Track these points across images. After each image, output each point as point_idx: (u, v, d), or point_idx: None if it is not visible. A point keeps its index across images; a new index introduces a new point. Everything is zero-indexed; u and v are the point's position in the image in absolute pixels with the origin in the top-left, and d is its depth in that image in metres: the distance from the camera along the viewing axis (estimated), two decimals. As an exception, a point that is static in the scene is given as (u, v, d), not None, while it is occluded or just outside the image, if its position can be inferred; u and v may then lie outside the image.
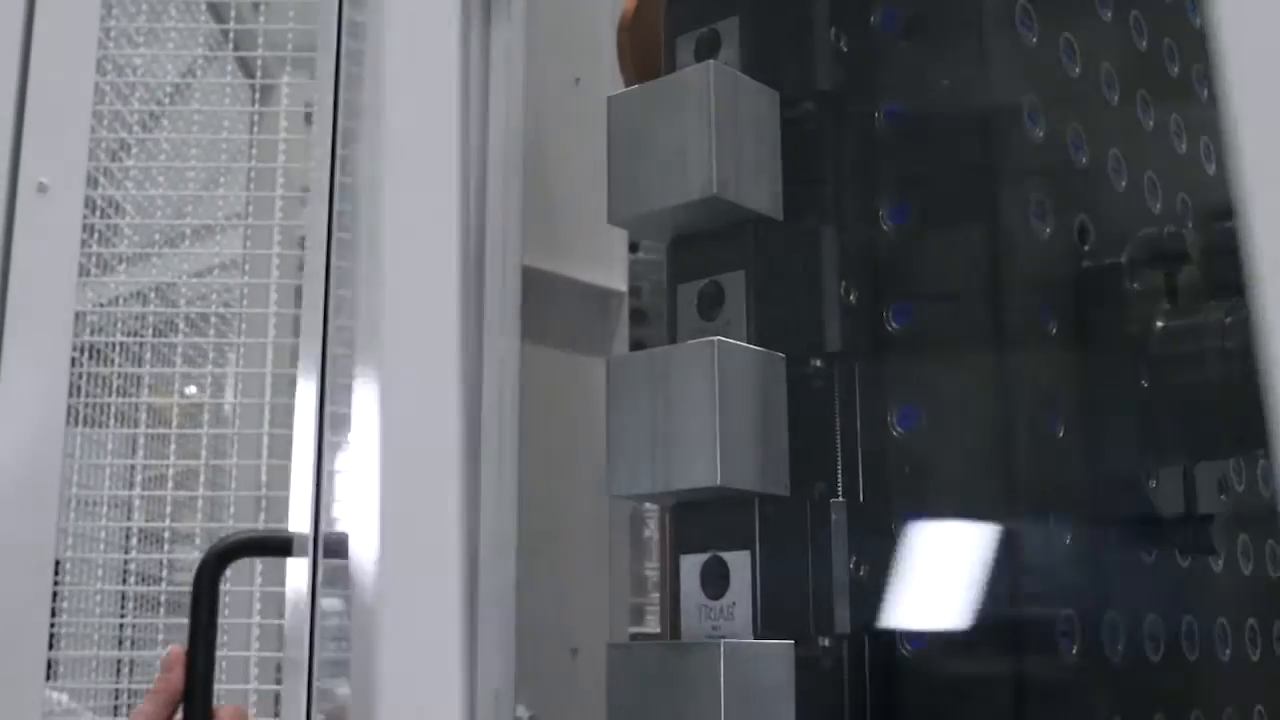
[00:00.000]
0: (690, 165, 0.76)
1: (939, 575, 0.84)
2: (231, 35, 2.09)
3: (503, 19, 1.83)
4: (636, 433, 0.75)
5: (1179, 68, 1.27)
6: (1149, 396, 0.97)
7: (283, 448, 2.11)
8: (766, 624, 0.75)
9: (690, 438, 0.73)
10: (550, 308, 1.80)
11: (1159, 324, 1.00)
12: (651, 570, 2.73)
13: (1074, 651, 0.89)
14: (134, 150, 1.84)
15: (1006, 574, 0.82)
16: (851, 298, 0.85)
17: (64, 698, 1.73)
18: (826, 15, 0.87)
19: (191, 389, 2.10)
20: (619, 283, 1.87)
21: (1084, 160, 1.04)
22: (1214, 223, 1.25)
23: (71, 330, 1.70)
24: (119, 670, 1.90)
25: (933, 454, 0.86)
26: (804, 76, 0.86)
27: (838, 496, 0.82)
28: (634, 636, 1.91)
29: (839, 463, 0.83)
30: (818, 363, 0.83)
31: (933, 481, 0.86)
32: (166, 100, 2.08)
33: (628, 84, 1.37)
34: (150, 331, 1.95)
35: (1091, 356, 0.97)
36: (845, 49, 0.89)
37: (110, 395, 1.86)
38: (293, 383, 2.33)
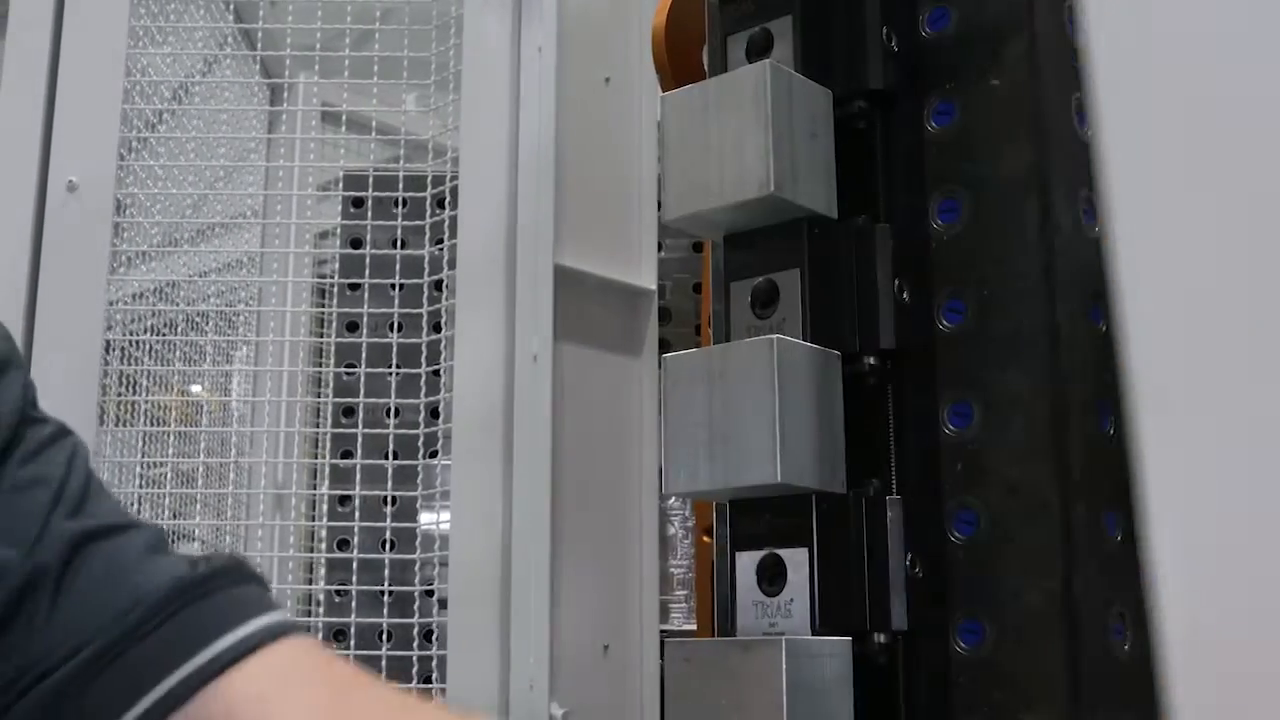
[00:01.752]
0: (747, 164, 0.76)
1: (994, 571, 0.84)
2: (249, 35, 2.11)
3: (534, 20, 1.83)
4: (694, 430, 0.75)
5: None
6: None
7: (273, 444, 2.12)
8: (824, 620, 0.76)
9: (750, 436, 0.73)
10: (581, 306, 1.81)
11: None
12: (676, 568, 2.73)
13: (1126, 647, 0.89)
14: (146, 148, 1.84)
15: (1058, 570, 0.83)
16: (905, 295, 0.85)
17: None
18: (878, 14, 0.87)
19: (195, 387, 2.11)
20: (648, 281, 1.88)
21: (1128, 159, 1.05)
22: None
23: (103, 328, 1.71)
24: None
25: (984, 451, 0.86)
26: (856, 75, 0.86)
27: (892, 494, 0.83)
28: (662, 634, 1.92)
29: (893, 460, 0.83)
30: (871, 360, 0.83)
31: (985, 479, 0.86)
32: (185, 99, 2.09)
33: (663, 83, 1.38)
34: (169, 329, 1.96)
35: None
36: (896, 48, 0.89)
37: (132, 393, 1.87)
38: (310, 380, 2.35)
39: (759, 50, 0.85)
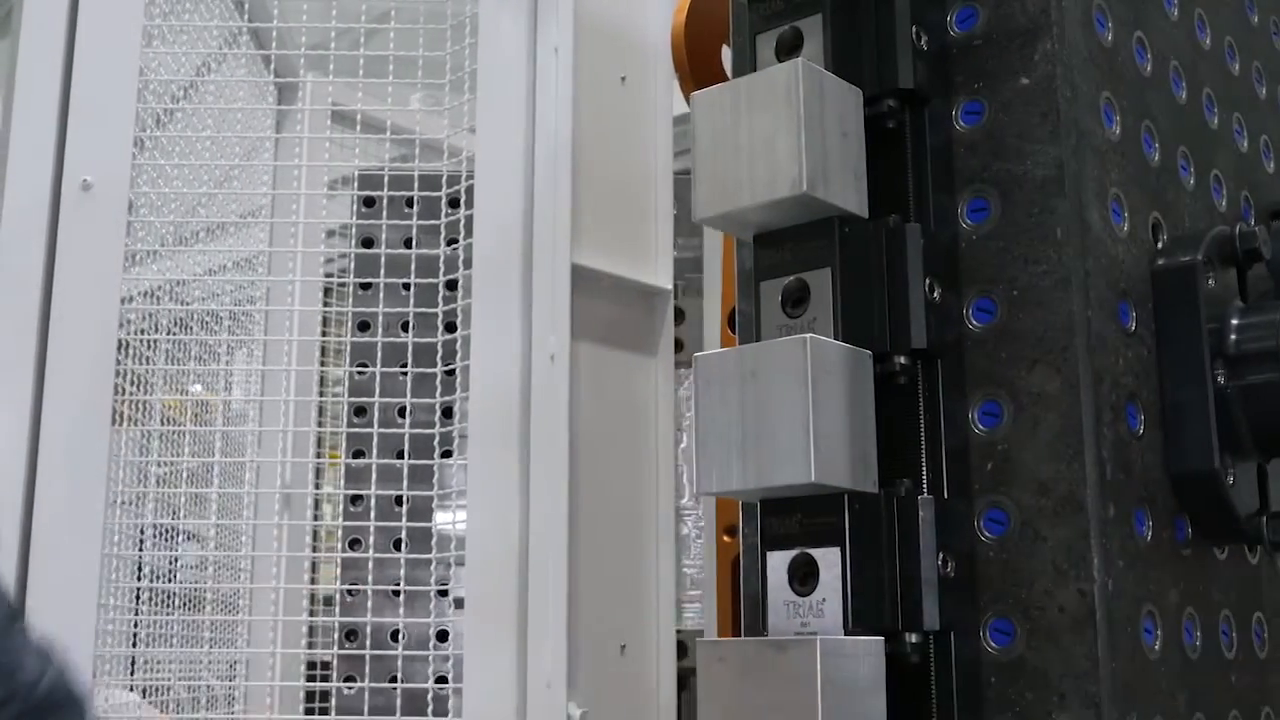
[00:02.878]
0: (779, 163, 0.76)
1: (1025, 571, 0.84)
2: (260, 33, 2.11)
3: (551, 20, 1.84)
4: (726, 430, 0.75)
5: (1239, 66, 1.27)
6: (1225, 394, 0.98)
7: (302, 445, 2.11)
8: (856, 620, 0.76)
9: (782, 435, 0.73)
10: (597, 305, 1.81)
11: (1234, 321, 1.00)
12: (689, 567, 2.73)
13: (1156, 647, 0.89)
14: (158, 146, 1.84)
15: (1092, 569, 0.83)
16: (935, 295, 0.85)
17: (131, 696, 1.74)
18: (908, 13, 0.87)
19: (196, 387, 2.11)
20: (664, 280, 1.89)
21: (1156, 158, 1.05)
22: (1273, 221, 1.26)
23: (117, 327, 1.72)
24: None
25: (1015, 451, 0.87)
26: (885, 74, 0.86)
27: (923, 493, 0.83)
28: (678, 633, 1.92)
29: (924, 459, 0.83)
30: (902, 360, 0.83)
31: (1015, 478, 0.86)
32: (195, 98, 2.09)
33: (682, 84, 1.38)
34: (179, 328, 1.96)
35: (1167, 354, 0.98)
36: (925, 47, 0.89)
37: (141, 392, 1.87)
38: (316, 379, 2.35)
39: (788, 49, 0.85)
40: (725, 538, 1.31)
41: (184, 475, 1.82)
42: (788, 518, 0.78)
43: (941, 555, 0.82)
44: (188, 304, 2.01)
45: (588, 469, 1.76)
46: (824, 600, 0.76)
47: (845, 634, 0.75)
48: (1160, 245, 1.03)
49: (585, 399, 1.77)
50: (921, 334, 0.83)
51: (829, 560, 0.76)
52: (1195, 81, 1.17)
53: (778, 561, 0.78)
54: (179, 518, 1.84)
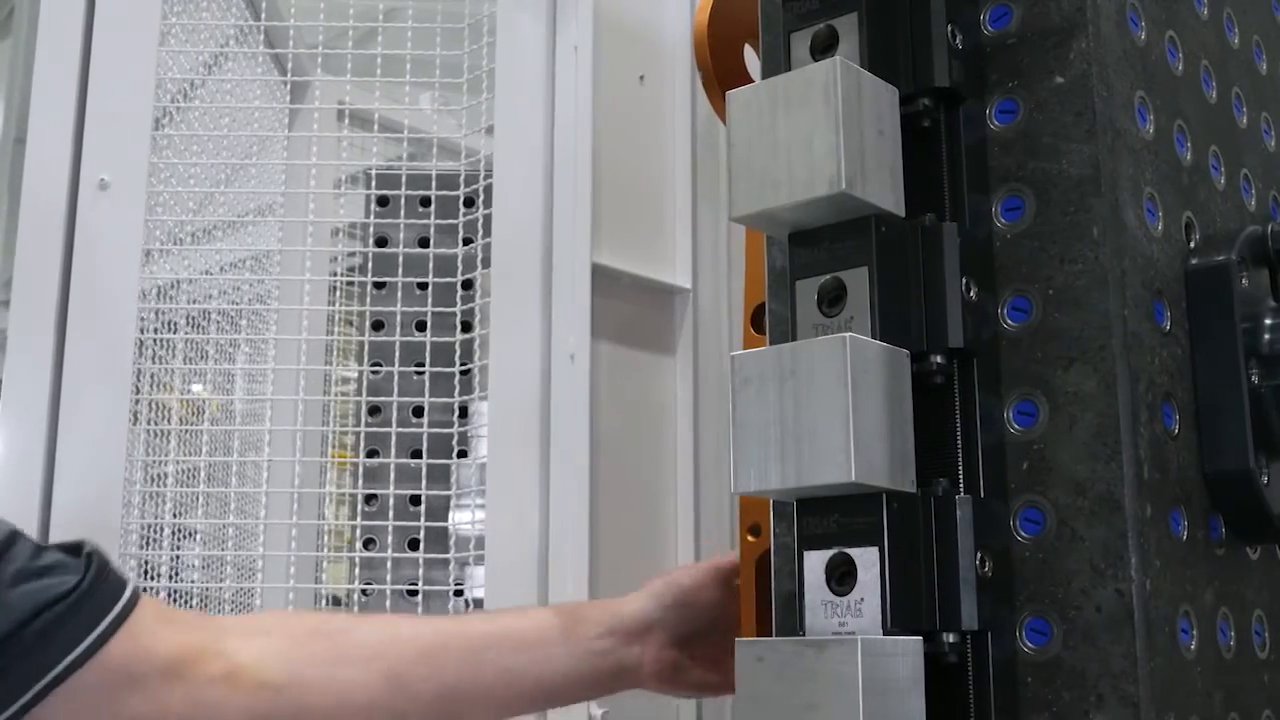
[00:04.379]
0: (817, 161, 0.76)
1: (1062, 571, 0.84)
2: (271, 31, 2.11)
3: (570, 19, 1.84)
4: (764, 429, 0.75)
5: (1266, 65, 1.27)
6: (1259, 394, 0.98)
7: (313, 444, 2.12)
8: (895, 620, 0.76)
9: (822, 434, 0.73)
10: (616, 304, 1.82)
11: (1267, 321, 1.00)
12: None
13: (1192, 647, 0.89)
14: (171, 145, 1.84)
15: (1130, 569, 0.83)
16: (972, 294, 0.85)
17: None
18: (943, 11, 0.87)
19: (196, 386, 2.12)
20: (683, 279, 1.89)
21: (1188, 158, 1.05)
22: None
23: (135, 326, 1.72)
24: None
25: (1050, 450, 0.87)
26: (921, 73, 0.86)
27: (960, 493, 0.83)
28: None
29: (960, 459, 0.84)
30: (938, 359, 0.83)
31: (1051, 477, 0.86)
32: (208, 97, 2.09)
33: (705, 82, 1.37)
34: (191, 327, 1.96)
35: (1202, 354, 0.98)
36: (960, 46, 0.89)
37: (155, 391, 1.87)
38: (326, 379, 2.35)
39: (823, 47, 0.85)
40: (749, 537, 1.31)
41: (201, 474, 1.82)
42: (825, 517, 0.78)
43: (979, 555, 0.82)
44: (197, 302, 2.02)
45: (607, 468, 1.77)
46: (862, 600, 0.76)
47: (884, 634, 0.75)
48: (1193, 245, 1.03)
49: (604, 398, 1.78)
50: (959, 333, 0.83)
51: (867, 560, 0.76)
52: (1225, 80, 1.17)
53: (815, 561, 0.79)
54: (197, 516, 1.84)
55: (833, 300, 0.81)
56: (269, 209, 2.07)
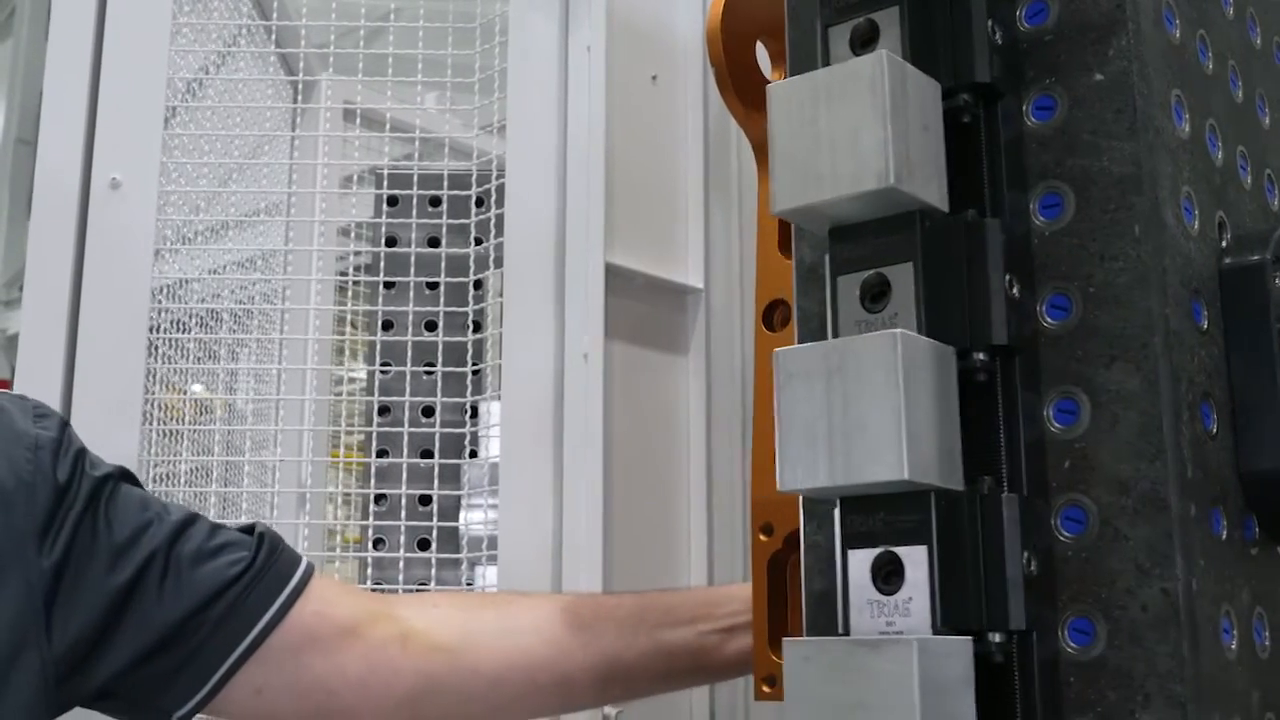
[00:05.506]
0: (865, 156, 0.75)
1: (1106, 570, 0.83)
2: (279, 31, 2.10)
3: (582, 19, 1.83)
4: (812, 426, 0.74)
5: (1289, 64, 1.26)
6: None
7: (320, 444, 2.11)
8: (945, 619, 0.75)
9: (873, 431, 0.72)
10: (629, 304, 1.80)
11: (1301, 321, 0.99)
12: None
13: (1233, 646, 0.88)
14: (179, 146, 1.83)
15: (1176, 568, 0.82)
16: (1014, 290, 0.84)
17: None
18: (984, 6, 0.86)
19: (197, 387, 2.11)
20: (696, 279, 1.88)
21: (1219, 157, 1.04)
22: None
23: (146, 326, 1.70)
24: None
25: (1092, 449, 0.85)
26: (962, 68, 0.85)
27: (1004, 490, 0.82)
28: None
29: (1003, 457, 0.82)
30: (981, 356, 0.82)
31: (1093, 476, 0.85)
32: (218, 96, 2.08)
33: (718, 79, 1.36)
34: (200, 326, 1.95)
35: (1236, 353, 0.97)
36: (999, 41, 0.88)
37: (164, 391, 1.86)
38: (333, 379, 2.34)
39: (864, 41, 0.83)
40: (761, 536, 1.29)
41: (212, 474, 1.81)
42: (870, 515, 0.77)
43: (1026, 554, 0.81)
44: (204, 302, 2.00)
45: (620, 467, 1.75)
46: (910, 599, 0.75)
47: (933, 633, 0.74)
48: (1224, 244, 1.02)
49: (617, 398, 1.76)
50: (1002, 329, 0.82)
51: (915, 559, 0.75)
52: (1250, 81, 1.16)
53: (859, 560, 0.77)
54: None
55: (875, 296, 0.80)
56: (276, 208, 2.06)
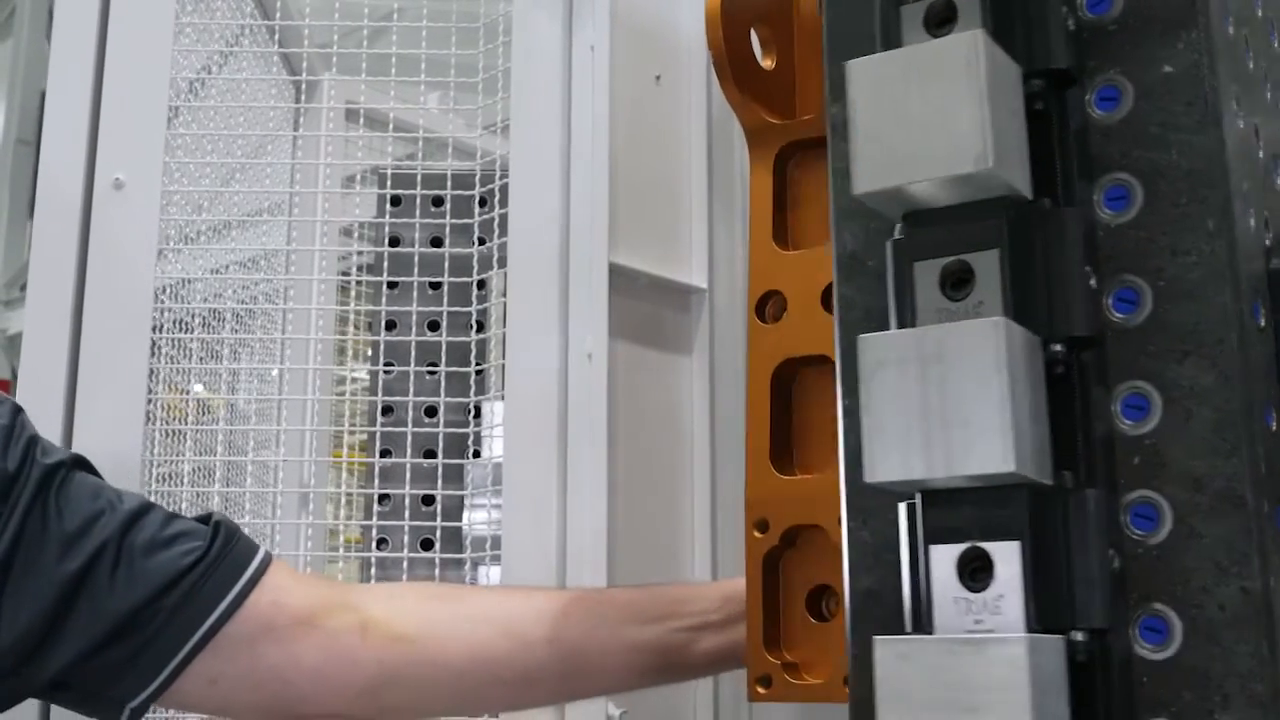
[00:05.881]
0: (962, 137, 0.70)
1: (1180, 568, 0.79)
2: (282, 30, 2.04)
3: (586, 19, 1.77)
4: (903, 417, 0.69)
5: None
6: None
7: (323, 444, 2.06)
8: (1039, 618, 0.70)
9: (978, 423, 0.67)
10: (632, 304, 1.75)
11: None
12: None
13: (1304, 645, 0.84)
14: (182, 146, 1.77)
15: (1254, 566, 0.77)
16: (1092, 281, 0.80)
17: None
18: (1060, -9, 0.82)
19: (199, 387, 2.06)
20: (700, 279, 1.83)
21: (1262, 156, 1.00)
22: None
23: (150, 326, 1.64)
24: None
25: (1164, 445, 0.81)
26: (1038, 53, 0.81)
27: (1083, 485, 0.77)
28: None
29: (1082, 451, 0.78)
30: (1059, 347, 0.78)
31: (1165, 473, 0.81)
32: (214, 96, 2.02)
33: (717, 67, 1.31)
34: (204, 327, 1.89)
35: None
36: (1073, 27, 0.84)
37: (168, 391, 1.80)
38: (335, 379, 2.29)
39: (939, 21, 0.79)
40: (756, 533, 1.24)
41: (215, 474, 1.74)
42: (957, 510, 0.72)
43: (1111, 551, 0.76)
44: (206, 301, 1.94)
45: (624, 468, 1.70)
46: (1001, 597, 0.70)
47: (1027, 632, 0.69)
48: (1267, 243, 0.98)
49: (621, 398, 1.71)
50: (1083, 320, 0.77)
51: (1005, 555, 0.70)
52: (1275, 84, 1.12)
53: (944, 556, 0.72)
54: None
55: (956, 284, 0.75)
56: (278, 208, 2.00)
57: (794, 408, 1.28)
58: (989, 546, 0.71)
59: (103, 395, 1.61)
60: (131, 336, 1.64)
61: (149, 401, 1.64)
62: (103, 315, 1.62)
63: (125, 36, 1.71)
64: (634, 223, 1.76)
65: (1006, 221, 0.74)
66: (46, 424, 1.58)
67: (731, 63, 1.27)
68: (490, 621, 1.23)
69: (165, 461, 1.72)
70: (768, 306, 1.29)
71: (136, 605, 1.10)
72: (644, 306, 1.78)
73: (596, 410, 1.67)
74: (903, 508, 0.78)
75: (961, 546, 0.72)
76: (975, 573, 0.72)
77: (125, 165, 1.68)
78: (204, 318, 1.84)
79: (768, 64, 1.31)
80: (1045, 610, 0.71)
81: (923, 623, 0.73)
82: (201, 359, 1.82)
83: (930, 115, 0.71)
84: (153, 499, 1.73)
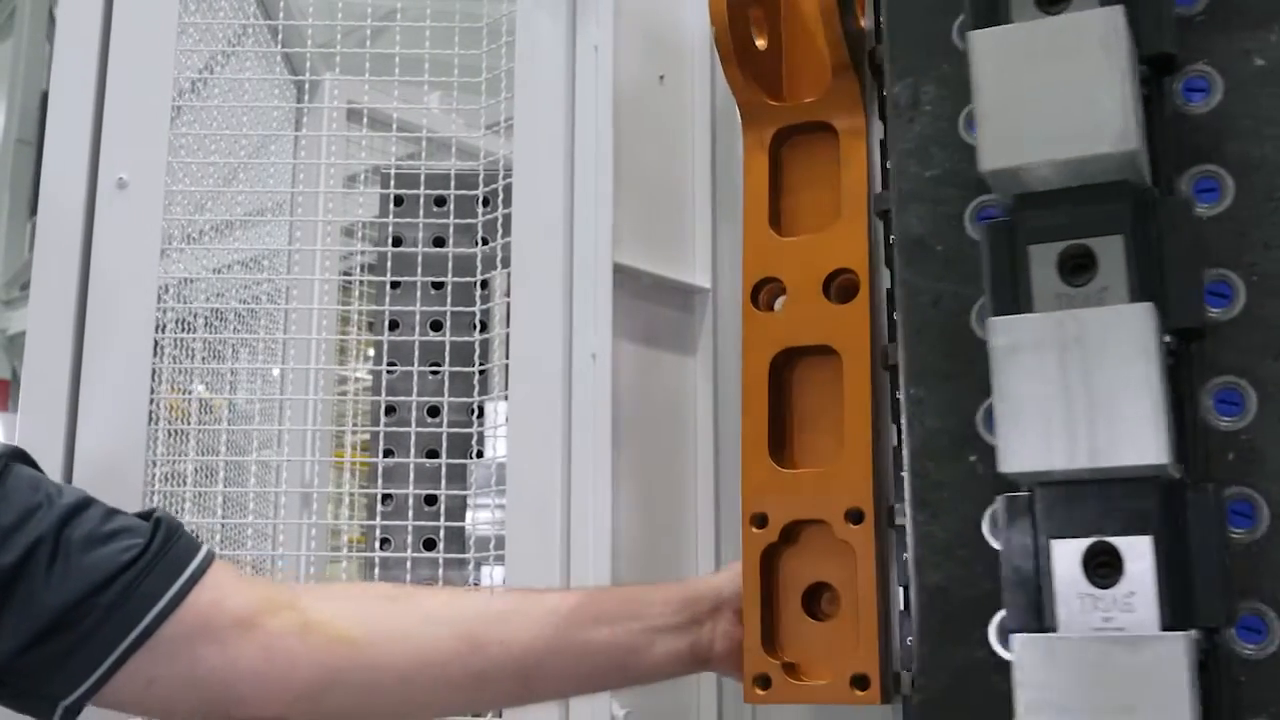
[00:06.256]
0: (1103, 116, 0.66)
1: (1273, 567, 0.75)
2: (284, 30, 1.98)
3: (590, 19, 1.72)
4: (1044, 404, 0.64)
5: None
6: None
7: (324, 444, 1.99)
8: (1172, 615, 0.65)
9: (1127, 412, 0.62)
10: (636, 304, 1.70)
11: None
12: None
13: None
14: (185, 146, 1.71)
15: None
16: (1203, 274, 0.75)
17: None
18: (1168, -24, 0.77)
19: (202, 387, 1.99)
20: (703, 279, 1.79)
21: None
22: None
23: (153, 326, 1.57)
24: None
25: (1260, 442, 0.77)
26: (1148, 37, 0.76)
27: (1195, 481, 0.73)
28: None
29: (1190, 446, 0.74)
30: (1169, 339, 0.73)
31: (1262, 470, 0.77)
32: (216, 96, 1.96)
33: (721, 53, 1.26)
34: (206, 326, 1.83)
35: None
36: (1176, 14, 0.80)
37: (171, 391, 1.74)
38: (337, 379, 2.23)
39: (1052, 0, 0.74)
40: (753, 529, 1.18)
41: (219, 474, 1.67)
42: (1081, 504, 0.67)
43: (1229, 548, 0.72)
44: (210, 301, 1.87)
45: (627, 467, 1.65)
46: (1132, 593, 0.65)
47: (1161, 629, 0.65)
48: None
49: (625, 398, 1.66)
50: (1200, 312, 0.73)
51: (1135, 550, 0.66)
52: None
53: (1068, 551, 0.67)
54: (214, 515, 1.69)
55: (1076, 268, 0.70)
56: (280, 208, 1.93)
57: (792, 398, 1.23)
58: (1118, 541, 0.66)
59: (105, 395, 1.54)
60: (134, 336, 1.57)
61: (151, 401, 1.56)
62: (105, 314, 1.55)
63: (128, 36, 1.64)
64: (637, 223, 1.70)
65: (1134, 206, 0.69)
66: (48, 424, 1.51)
67: (734, 42, 1.23)
68: (439, 622, 1.17)
69: (168, 461, 1.65)
70: (762, 293, 1.24)
71: (73, 600, 1.04)
72: (648, 306, 1.73)
73: (600, 410, 1.61)
74: (1000, 500, 0.73)
75: (1087, 541, 0.67)
76: (1099, 568, 0.67)
77: (128, 165, 1.61)
78: (206, 317, 1.78)
79: (760, 44, 1.27)
80: (1179, 609, 0.66)
81: (1045, 620, 0.68)
82: (204, 359, 1.75)
83: (1067, 92, 0.66)
84: (155, 499, 1.67)
